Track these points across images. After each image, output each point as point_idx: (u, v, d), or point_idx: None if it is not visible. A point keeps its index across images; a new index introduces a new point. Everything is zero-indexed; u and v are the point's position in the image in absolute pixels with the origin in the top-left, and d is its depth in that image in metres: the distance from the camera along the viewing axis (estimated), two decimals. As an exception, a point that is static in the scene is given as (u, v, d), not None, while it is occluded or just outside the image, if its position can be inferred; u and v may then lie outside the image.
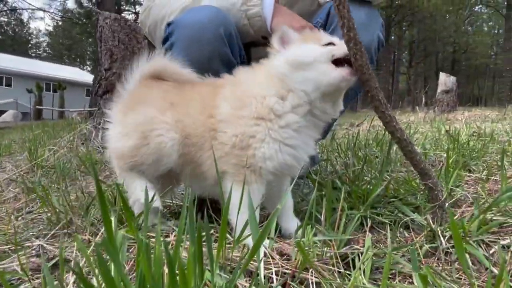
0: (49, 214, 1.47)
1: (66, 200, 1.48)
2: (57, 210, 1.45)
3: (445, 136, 3.42)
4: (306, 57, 1.15)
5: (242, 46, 1.72)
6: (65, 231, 1.39)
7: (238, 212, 1.05)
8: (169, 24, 1.57)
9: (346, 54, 1.15)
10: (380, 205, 1.49)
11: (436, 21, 31.92)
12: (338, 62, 1.16)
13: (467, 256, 1.09)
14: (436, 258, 1.11)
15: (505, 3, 27.33)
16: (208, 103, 1.24)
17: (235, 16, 1.63)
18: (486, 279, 0.97)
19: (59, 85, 25.17)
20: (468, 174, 1.86)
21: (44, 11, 21.89)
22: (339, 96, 1.24)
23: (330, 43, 1.20)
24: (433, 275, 0.87)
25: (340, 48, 1.17)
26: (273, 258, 0.96)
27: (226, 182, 1.18)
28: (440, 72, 10.96)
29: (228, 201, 0.96)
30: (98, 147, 3.55)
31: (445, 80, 10.42)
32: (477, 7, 38.70)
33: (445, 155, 2.46)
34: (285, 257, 1.00)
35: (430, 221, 1.20)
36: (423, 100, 10.26)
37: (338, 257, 0.97)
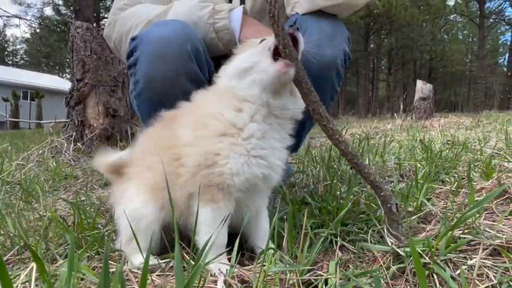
0: (1, 239, 1.38)
1: (20, 224, 1.39)
2: (11, 234, 1.37)
3: (419, 145, 3.45)
4: (245, 62, 1.15)
5: (211, 61, 1.68)
6: (20, 256, 1.30)
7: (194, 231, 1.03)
8: (133, 39, 1.52)
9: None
10: (350, 221, 1.46)
11: (413, 29, 32.73)
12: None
13: (435, 276, 1.07)
14: (404, 279, 1.08)
15: (478, 12, 28.31)
16: (168, 138, 1.19)
17: (202, 29, 1.59)
18: (452, 301, 0.95)
19: (37, 94, 24.59)
20: (439, 186, 1.86)
21: (20, 18, 21.37)
22: (287, 88, 1.21)
23: (263, 40, 1.20)
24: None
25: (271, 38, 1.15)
26: (231, 286, 0.91)
27: (193, 202, 1.13)
28: (418, 80, 11.19)
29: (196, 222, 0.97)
30: (70, 160, 3.44)
31: (422, 88, 10.65)
32: (452, 16, 39.93)
33: (419, 165, 2.49)
34: (245, 284, 0.95)
35: (389, 241, 1.17)
36: (401, 107, 10.43)
37: (301, 284, 0.93)
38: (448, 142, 3.69)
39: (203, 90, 1.27)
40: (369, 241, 1.29)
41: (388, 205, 1.20)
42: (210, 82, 1.65)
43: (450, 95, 56.76)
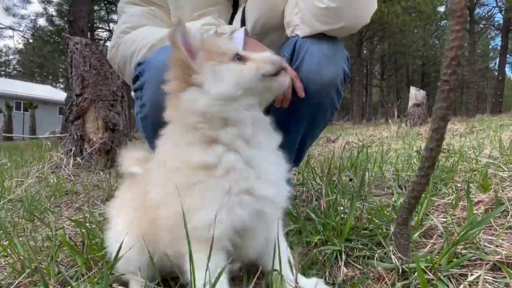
0: (11, 261, 1.40)
1: (30, 246, 1.40)
2: (21, 257, 1.38)
3: (417, 154, 3.51)
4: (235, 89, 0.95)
5: None
6: (30, 279, 1.32)
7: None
8: (139, 64, 1.56)
9: (277, 69, 1.00)
10: (354, 237, 1.50)
11: (405, 36, 33.14)
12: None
13: (438, 292, 1.11)
14: (409, 295, 1.12)
15: (468, 18, 28.75)
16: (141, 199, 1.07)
17: None
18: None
19: (30, 104, 24.47)
20: (437, 199, 1.90)
21: (14, 29, 21.33)
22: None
23: (238, 56, 1.01)
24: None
25: (267, 61, 1.00)
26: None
27: (182, 260, 0.97)
28: (411, 87, 11.32)
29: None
30: (70, 176, 3.45)
31: (416, 94, 10.78)
32: (442, 22, 40.48)
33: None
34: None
35: (393, 258, 1.21)
36: (395, 114, 10.54)
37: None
38: (444, 151, 3.75)
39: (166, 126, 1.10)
40: (374, 258, 1.33)
41: (407, 228, 1.23)
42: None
43: (443, 99, 57.13)
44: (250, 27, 1.79)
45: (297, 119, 1.80)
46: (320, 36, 1.66)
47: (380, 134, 6.72)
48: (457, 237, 1.18)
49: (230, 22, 1.85)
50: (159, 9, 1.82)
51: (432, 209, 1.83)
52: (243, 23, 1.80)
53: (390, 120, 10.78)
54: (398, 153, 3.93)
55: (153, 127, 1.60)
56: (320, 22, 1.62)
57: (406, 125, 9.52)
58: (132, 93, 1.75)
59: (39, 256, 1.41)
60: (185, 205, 0.87)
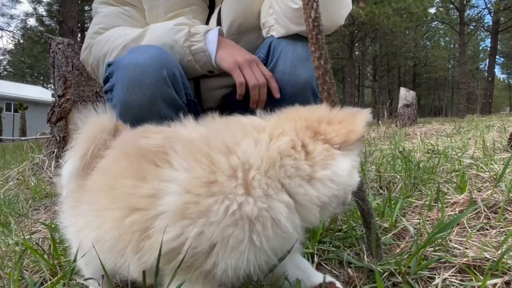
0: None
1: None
2: (-15, 262, 1.35)
3: (400, 155, 3.51)
4: None
5: (189, 83, 1.70)
6: (-6, 285, 1.29)
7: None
8: (109, 65, 1.53)
9: None
10: (327, 239, 1.49)
11: (396, 37, 33.38)
12: None
13: (406, 295, 1.10)
14: (377, 299, 1.11)
15: (459, 20, 29.06)
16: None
17: (179, 52, 1.61)
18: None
19: (20, 105, 24.19)
20: (415, 200, 1.90)
21: (3, 29, 21.05)
22: None
23: None
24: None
25: None
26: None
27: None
28: (401, 87, 11.41)
29: None
30: (51, 178, 3.39)
31: (406, 95, 10.86)
32: (433, 23, 40.90)
33: (398, 176, 2.53)
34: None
35: (366, 260, 1.20)
36: (385, 114, 10.60)
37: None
38: (429, 151, 3.77)
39: None
40: (345, 260, 1.32)
41: (376, 231, 1.22)
42: (188, 104, 1.68)
43: (434, 100, 57.84)
44: (226, 28, 1.77)
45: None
46: (295, 37, 1.65)
47: (369, 135, 6.74)
48: (426, 240, 1.17)
49: (207, 23, 1.83)
50: (133, 9, 1.79)
51: (410, 210, 1.83)
52: (219, 24, 1.79)
53: (380, 122, 10.83)
54: (383, 153, 3.93)
55: (125, 128, 1.57)
56: (294, 23, 1.61)
57: (396, 125, 9.58)
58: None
59: (3, 262, 1.38)
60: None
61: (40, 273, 1.31)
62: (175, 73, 1.52)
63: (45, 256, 1.35)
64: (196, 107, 1.78)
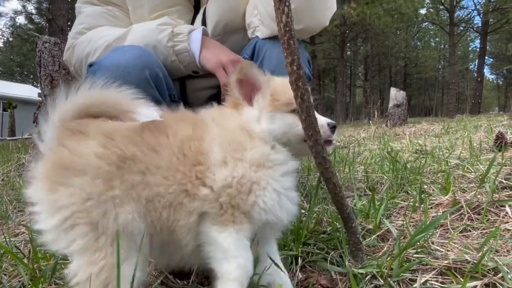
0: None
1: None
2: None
3: (388, 156, 3.53)
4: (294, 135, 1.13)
5: (173, 84, 1.69)
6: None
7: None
8: (90, 65, 1.51)
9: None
10: (312, 241, 1.48)
11: (388, 37, 33.61)
12: None
13: (387, 298, 1.10)
14: (359, 302, 1.11)
15: (448, 20, 29.35)
16: (193, 149, 1.00)
17: (162, 53, 1.59)
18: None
19: (10, 104, 23.81)
20: (400, 201, 1.90)
21: (-9, 27, 20.72)
22: None
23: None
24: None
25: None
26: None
27: (206, 227, 0.98)
28: (391, 87, 11.48)
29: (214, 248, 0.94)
30: (37, 179, 3.33)
31: (396, 95, 10.93)
32: (424, 24, 41.28)
33: (385, 177, 2.54)
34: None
35: (347, 264, 1.20)
36: (376, 114, 10.67)
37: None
38: (417, 152, 3.79)
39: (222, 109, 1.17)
40: (328, 262, 1.32)
41: (357, 236, 1.22)
42: (171, 105, 1.66)
43: (425, 100, 58.42)
44: (211, 28, 1.76)
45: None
46: (277, 38, 1.64)
47: (359, 135, 6.78)
48: (407, 242, 1.17)
49: (192, 23, 1.82)
50: (117, 9, 1.77)
51: (395, 211, 1.84)
52: (204, 24, 1.77)
53: (370, 121, 10.89)
54: (372, 153, 3.95)
55: (108, 130, 1.55)
56: None
57: (387, 125, 9.64)
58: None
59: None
60: (252, 177, 1.00)
61: (19, 277, 1.29)
62: (157, 74, 1.50)
63: (25, 260, 1.33)
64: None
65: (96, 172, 0.90)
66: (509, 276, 1.02)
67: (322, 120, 1.17)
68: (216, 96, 1.85)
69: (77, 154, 0.92)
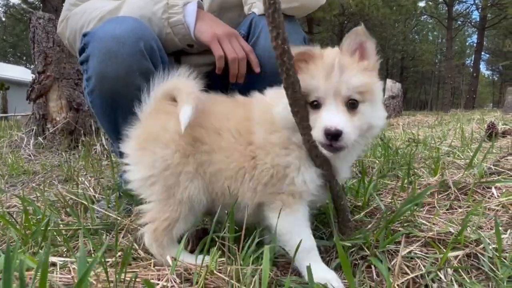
0: None
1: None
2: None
3: (381, 142, 3.56)
4: None
5: (169, 60, 1.68)
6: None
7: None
8: (84, 35, 1.49)
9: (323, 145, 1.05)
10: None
11: (386, 29, 33.50)
12: None
13: (372, 267, 1.13)
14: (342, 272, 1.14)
15: (447, 14, 29.30)
16: (244, 128, 1.13)
17: (157, 25, 1.58)
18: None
19: (2, 85, 23.48)
20: (390, 182, 1.93)
21: (-17, 6, 20.32)
22: None
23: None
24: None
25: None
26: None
27: (265, 213, 1.12)
28: (387, 79, 11.50)
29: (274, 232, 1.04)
30: (29, 156, 3.34)
31: (392, 86, 10.96)
32: (422, 17, 41.16)
33: (377, 161, 2.58)
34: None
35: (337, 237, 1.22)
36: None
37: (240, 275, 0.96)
38: (409, 140, 3.83)
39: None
40: (317, 237, 1.34)
41: (346, 213, 1.24)
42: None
43: (420, 93, 58.60)
44: (208, 4, 1.74)
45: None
46: None
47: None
48: (394, 214, 1.20)
49: (188, -3, 1.80)
50: None
51: (385, 191, 1.87)
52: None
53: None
54: (365, 141, 3.97)
55: (101, 101, 1.54)
56: None
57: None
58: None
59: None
60: (285, 163, 1.07)
61: (11, 243, 1.30)
62: (152, 46, 1.50)
63: (17, 227, 1.34)
64: (175, 83, 1.76)
65: (176, 147, 1.13)
66: (490, 247, 1.05)
67: (322, 123, 0.99)
68: (211, 73, 1.86)
69: (164, 129, 1.15)
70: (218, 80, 1.71)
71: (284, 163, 1.07)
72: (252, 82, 1.56)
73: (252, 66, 1.58)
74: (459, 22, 34.56)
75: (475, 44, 32.38)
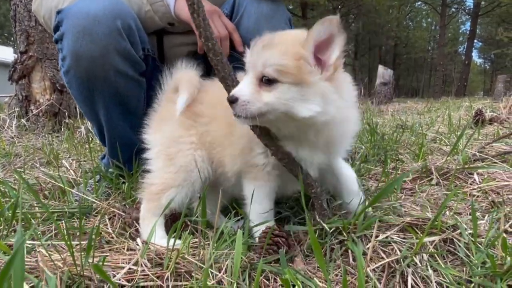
0: None
1: None
2: None
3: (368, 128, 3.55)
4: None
5: (148, 39, 1.63)
6: None
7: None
8: (58, 12, 1.43)
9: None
10: (284, 200, 1.50)
11: (380, 15, 33.25)
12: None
13: (349, 251, 1.13)
14: (323, 253, 1.13)
15: (441, 1, 29.15)
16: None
17: (136, 3, 1.52)
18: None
19: (-12, 66, 22.96)
20: (373, 168, 1.93)
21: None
22: None
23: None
24: (299, 275, 0.88)
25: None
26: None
27: (242, 182, 1.25)
28: (379, 65, 11.48)
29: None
30: (12, 138, 3.26)
31: (383, 73, 10.95)
32: (417, 4, 40.92)
33: (363, 147, 2.57)
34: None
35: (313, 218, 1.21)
36: (362, 92, 10.69)
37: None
38: (398, 126, 3.83)
39: None
40: (294, 222, 1.34)
41: (319, 201, 1.22)
42: (145, 59, 1.61)
43: (412, 81, 58.72)
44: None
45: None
46: None
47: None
48: (371, 200, 1.18)
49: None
50: None
51: (368, 177, 1.86)
52: None
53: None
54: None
55: (77, 82, 1.49)
56: None
57: (372, 103, 9.69)
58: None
59: None
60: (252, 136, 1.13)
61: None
62: (130, 25, 1.44)
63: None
64: (155, 63, 1.71)
65: (179, 123, 1.32)
66: (467, 232, 1.05)
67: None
68: (194, 54, 1.81)
69: (169, 112, 1.34)
70: (202, 59, 1.67)
71: (250, 136, 1.15)
72: (237, 60, 1.53)
73: (235, 45, 1.54)
74: (453, 9, 34.44)
75: (468, 32, 32.37)
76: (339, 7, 25.62)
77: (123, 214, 1.38)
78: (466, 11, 34.65)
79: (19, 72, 3.54)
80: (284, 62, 0.96)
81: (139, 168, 1.68)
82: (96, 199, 1.48)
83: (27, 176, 2.07)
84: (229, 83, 1.01)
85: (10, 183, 1.66)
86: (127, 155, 1.69)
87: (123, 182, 1.67)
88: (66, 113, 3.64)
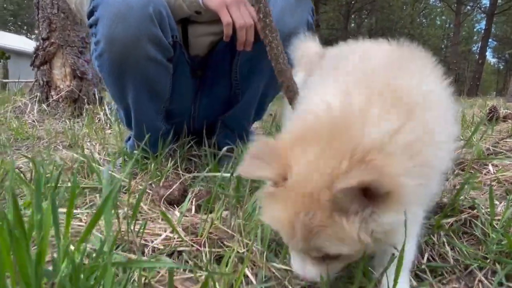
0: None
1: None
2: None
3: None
4: None
5: (176, 25, 1.69)
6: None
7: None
8: None
9: None
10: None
11: (393, 11, 32.93)
12: None
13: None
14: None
15: (457, -2, 28.71)
16: None
17: None
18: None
19: (2, 54, 23.26)
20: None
21: (-16, -29, 19.90)
22: None
23: None
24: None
25: None
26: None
27: None
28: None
29: None
30: (33, 121, 3.37)
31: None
32: (431, 1, 40.38)
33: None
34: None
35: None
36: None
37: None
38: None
39: None
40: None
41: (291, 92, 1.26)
42: (173, 46, 1.67)
43: (424, 79, 57.83)
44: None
45: (259, 72, 1.80)
46: None
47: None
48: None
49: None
50: None
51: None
52: None
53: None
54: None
55: (109, 65, 1.56)
56: None
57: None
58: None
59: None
60: None
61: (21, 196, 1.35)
62: (161, 12, 1.50)
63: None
64: (182, 51, 1.77)
65: None
66: (483, 211, 1.10)
67: None
68: (218, 44, 1.86)
69: None
70: (224, 51, 1.73)
71: None
72: (260, 50, 1.58)
73: (260, 34, 1.59)
74: (468, 7, 33.90)
75: (482, 31, 31.86)
76: (352, 2, 25.42)
77: (150, 192, 1.46)
78: (482, 9, 34.08)
79: (41, 58, 3.63)
80: None
81: (163, 150, 1.75)
82: (125, 178, 1.55)
83: (52, 156, 2.16)
84: (281, 61, 1.05)
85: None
86: (153, 139, 1.75)
87: (149, 163, 1.74)
88: (86, 100, 3.73)
